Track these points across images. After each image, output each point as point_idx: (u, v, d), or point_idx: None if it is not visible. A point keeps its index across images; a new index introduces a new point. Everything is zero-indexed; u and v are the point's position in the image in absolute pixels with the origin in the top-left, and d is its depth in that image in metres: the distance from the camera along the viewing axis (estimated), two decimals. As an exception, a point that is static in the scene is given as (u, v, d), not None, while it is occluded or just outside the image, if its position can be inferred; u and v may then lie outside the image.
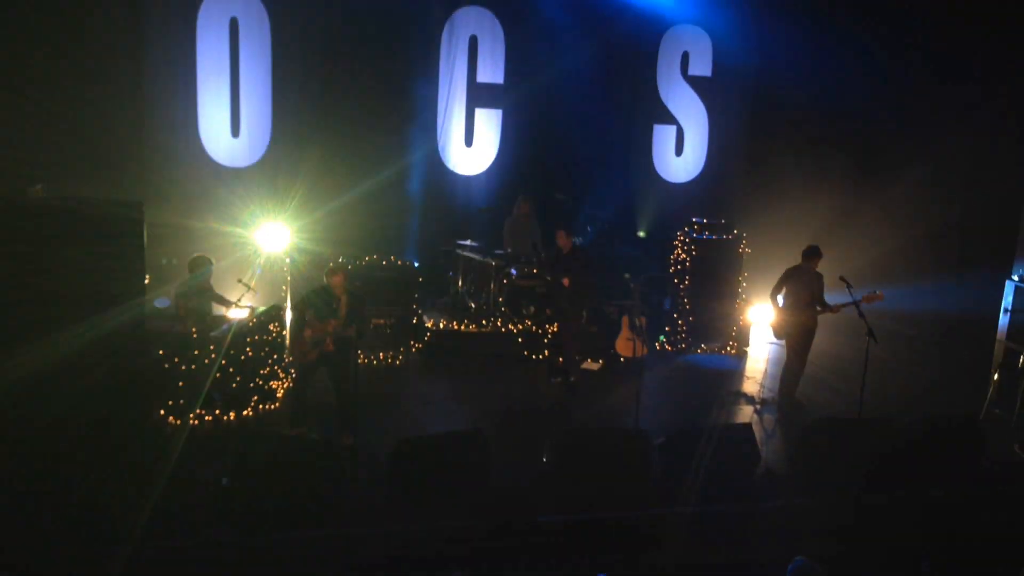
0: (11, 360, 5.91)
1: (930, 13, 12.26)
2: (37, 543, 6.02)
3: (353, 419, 8.06)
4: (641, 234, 13.80)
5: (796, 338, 9.68)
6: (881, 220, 12.95)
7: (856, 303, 8.97)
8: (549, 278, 10.49)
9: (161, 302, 9.21)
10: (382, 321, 10.59)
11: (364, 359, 10.18)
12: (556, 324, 10.50)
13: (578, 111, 13.38)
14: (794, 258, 9.78)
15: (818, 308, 9.57)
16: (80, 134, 10.79)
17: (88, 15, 10.70)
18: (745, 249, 11.98)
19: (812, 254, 9.58)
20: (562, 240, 10.02)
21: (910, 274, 12.54)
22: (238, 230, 11.61)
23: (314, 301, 8.06)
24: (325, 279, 8.09)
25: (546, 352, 10.86)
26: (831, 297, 9.55)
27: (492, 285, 11.47)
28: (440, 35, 12.86)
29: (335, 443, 7.65)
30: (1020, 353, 9.53)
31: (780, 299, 9.74)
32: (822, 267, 9.69)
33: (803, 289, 9.56)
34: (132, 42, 11.28)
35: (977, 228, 12.25)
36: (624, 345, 10.60)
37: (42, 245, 6.04)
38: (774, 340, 10.45)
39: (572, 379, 10.08)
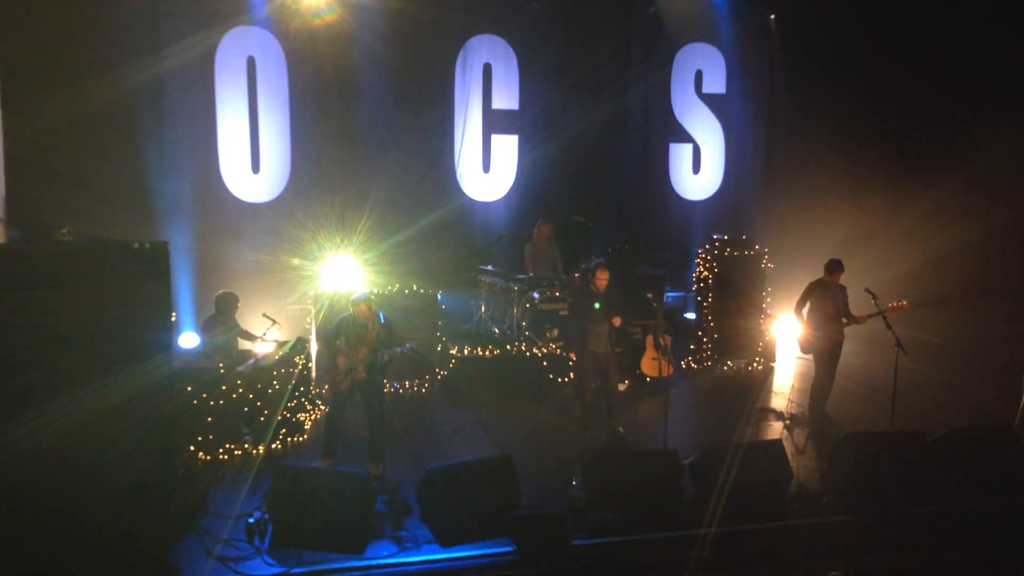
0: (42, 403, 5.98)
1: (953, 27, 12.20)
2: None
3: (382, 449, 8.07)
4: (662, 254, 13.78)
5: (824, 352, 9.61)
6: (906, 232, 12.86)
7: (882, 313, 8.91)
8: (569, 309, 10.04)
9: (189, 339, 9.31)
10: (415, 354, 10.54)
11: (390, 388, 10.20)
12: (580, 355, 9.45)
13: (593, 133, 13.45)
14: (817, 272, 9.73)
15: (844, 321, 9.50)
16: (103, 174, 10.96)
17: (109, 56, 10.88)
18: (768, 264, 11.93)
19: (834, 267, 9.54)
20: (603, 281, 9.09)
21: (936, 286, 12.46)
22: (263, 264, 11.75)
23: (345, 329, 8.10)
24: (351, 308, 8.13)
25: (570, 379, 10.79)
26: (857, 309, 9.48)
27: (515, 310, 11.48)
28: (454, 64, 12.99)
29: (365, 474, 7.65)
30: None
31: (805, 313, 9.68)
32: (846, 280, 9.64)
33: (828, 302, 9.50)
34: (152, 82, 11.46)
35: (1003, 241, 12.17)
36: (649, 365, 10.54)
37: (69, 288, 6.11)
38: (802, 355, 10.37)
39: (620, 429, 9.22)
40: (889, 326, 8.75)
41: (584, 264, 11.99)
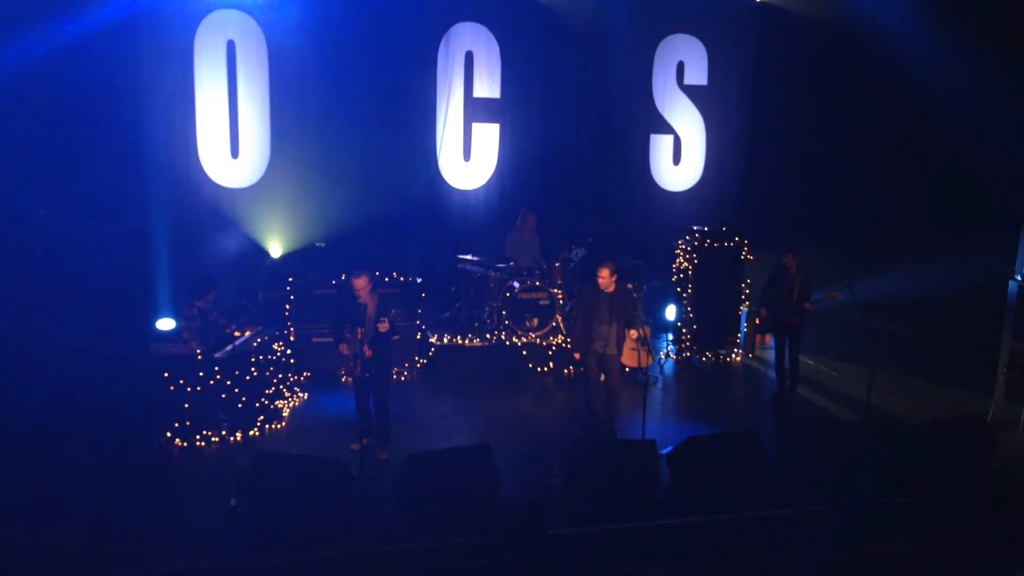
0: (17, 386, 5.94)
1: (928, 14, 12.26)
2: (46, 569, 6.02)
3: (387, 432, 8.18)
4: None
5: (783, 335, 9.99)
6: (881, 221, 12.96)
7: (824, 300, 9.48)
8: (575, 307, 9.55)
9: (166, 323, 9.24)
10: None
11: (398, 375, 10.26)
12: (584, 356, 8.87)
13: (575, 123, 13.42)
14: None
15: (794, 304, 9.78)
16: (80, 158, 10.82)
17: (87, 38, 10.73)
18: (747, 255, 11.99)
19: (787, 252, 9.91)
20: (605, 279, 8.45)
21: (912, 280, 12.56)
22: (241, 250, 11.65)
23: (343, 314, 8.07)
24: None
25: (549, 368, 10.80)
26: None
27: (495, 299, 11.47)
28: (436, 51, 12.91)
29: (343, 462, 7.62)
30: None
31: (765, 298, 9.98)
32: (823, 272, 9.77)
33: (783, 287, 9.83)
34: (130, 65, 11.31)
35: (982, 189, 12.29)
36: (628, 355, 10.56)
37: (45, 272, 6.06)
38: (765, 341, 10.59)
39: (619, 435, 8.84)
40: (851, 293, 9.09)
41: (565, 253, 12.01)
